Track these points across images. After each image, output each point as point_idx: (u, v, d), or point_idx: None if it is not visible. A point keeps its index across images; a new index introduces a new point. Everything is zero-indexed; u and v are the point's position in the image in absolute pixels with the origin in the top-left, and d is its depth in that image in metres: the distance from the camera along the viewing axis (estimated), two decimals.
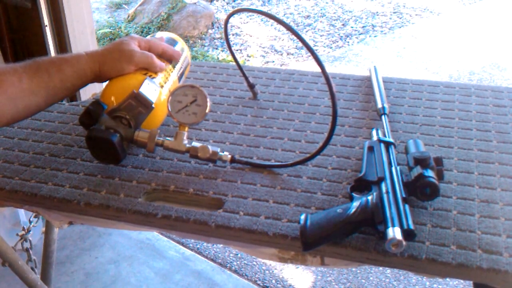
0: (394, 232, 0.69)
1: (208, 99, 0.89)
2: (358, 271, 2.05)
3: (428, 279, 1.96)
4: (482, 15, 5.29)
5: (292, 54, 4.45)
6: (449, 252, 0.73)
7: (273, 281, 2.02)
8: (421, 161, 0.79)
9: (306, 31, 4.90)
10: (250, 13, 5.24)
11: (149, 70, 0.98)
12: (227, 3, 5.54)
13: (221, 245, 2.14)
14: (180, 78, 1.10)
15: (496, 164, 0.93)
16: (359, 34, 4.88)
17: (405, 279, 2.01)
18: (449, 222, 0.78)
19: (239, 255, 2.14)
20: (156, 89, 0.96)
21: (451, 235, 0.76)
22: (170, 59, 1.05)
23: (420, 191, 0.78)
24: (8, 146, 1.01)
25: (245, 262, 2.11)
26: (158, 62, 1.00)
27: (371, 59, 4.28)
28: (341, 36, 4.83)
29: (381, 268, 2.05)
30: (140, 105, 0.90)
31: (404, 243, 0.68)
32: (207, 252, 2.15)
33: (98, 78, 0.97)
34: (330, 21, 5.16)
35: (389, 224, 0.71)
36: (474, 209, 0.81)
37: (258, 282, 2.01)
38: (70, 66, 0.94)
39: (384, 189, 0.78)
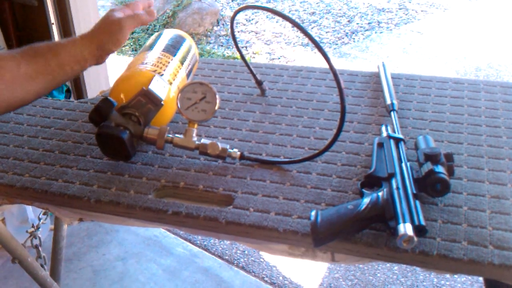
0: (406, 228, 0.69)
1: (217, 96, 0.90)
2: (366, 267, 2.05)
3: (436, 275, 1.96)
4: (488, 11, 5.27)
5: (298, 50, 4.44)
6: (460, 248, 0.72)
7: (280, 277, 2.02)
8: (432, 157, 0.79)
9: (312, 28, 4.90)
10: (255, 10, 5.23)
11: (142, 24, 1.00)
12: (232, 0, 5.54)
13: (229, 242, 2.15)
14: (188, 75, 1.10)
15: (507, 160, 0.92)
16: (365, 31, 4.87)
17: (412, 275, 2.01)
18: (460, 218, 0.78)
19: (246, 251, 2.14)
20: (165, 86, 0.96)
21: (462, 231, 0.75)
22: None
23: (430, 187, 0.78)
24: (18, 144, 1.02)
25: (253, 259, 2.11)
26: (143, 14, 1.00)
27: (377, 56, 4.27)
28: (347, 33, 4.82)
29: (388, 265, 2.04)
30: (149, 102, 0.90)
31: (415, 239, 0.68)
32: (214, 249, 2.15)
33: (100, 57, 0.97)
34: (335, 18, 5.15)
35: (400, 220, 0.70)
36: (485, 205, 0.81)
37: (266, 278, 2.01)
38: (66, 51, 0.93)
39: (394, 185, 0.78)
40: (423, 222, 0.70)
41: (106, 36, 0.96)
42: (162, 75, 0.98)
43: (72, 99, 2.31)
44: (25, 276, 1.49)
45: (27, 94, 0.90)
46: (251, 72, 1.18)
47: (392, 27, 4.96)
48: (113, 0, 5.71)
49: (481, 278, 0.81)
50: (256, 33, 4.81)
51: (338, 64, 4.06)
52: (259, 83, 1.19)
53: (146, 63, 1.00)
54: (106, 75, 2.41)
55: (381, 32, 4.84)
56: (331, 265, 2.05)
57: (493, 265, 0.70)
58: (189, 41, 1.15)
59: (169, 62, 1.03)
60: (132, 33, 4.68)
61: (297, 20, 4.99)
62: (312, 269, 2.06)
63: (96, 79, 2.37)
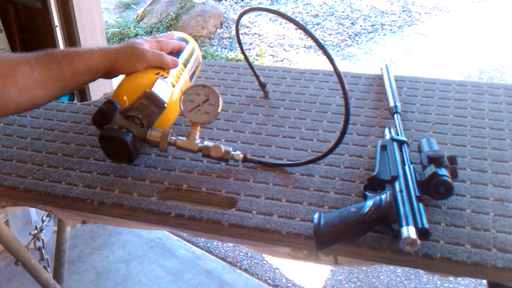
0: (409, 231, 0.69)
1: (220, 99, 0.90)
2: (369, 270, 2.05)
3: (439, 278, 1.96)
4: (491, 13, 5.26)
5: (301, 53, 4.44)
6: (463, 251, 0.72)
7: (283, 280, 2.02)
8: (435, 160, 0.79)
9: (315, 30, 4.90)
10: (259, 12, 5.24)
11: (162, 67, 0.99)
12: (236, 3, 5.55)
13: (232, 244, 2.15)
14: (191, 77, 1.10)
15: (510, 162, 0.92)
16: (368, 33, 4.87)
17: (416, 278, 2.01)
18: (463, 221, 0.78)
19: (249, 254, 2.14)
20: (168, 89, 0.96)
21: (466, 234, 0.75)
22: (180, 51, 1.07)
23: (434, 189, 0.77)
24: (21, 146, 1.02)
25: (255, 261, 2.11)
26: (169, 58, 1.00)
27: (380, 58, 4.26)
28: (350, 35, 4.82)
29: (391, 267, 2.04)
30: (152, 104, 0.90)
31: (418, 242, 0.68)
32: (217, 251, 2.15)
33: (109, 74, 0.98)
34: (338, 20, 5.15)
35: (404, 223, 0.70)
36: (488, 208, 0.80)
37: (269, 281, 2.01)
38: (82, 61, 0.93)
39: (397, 187, 0.77)
40: (426, 225, 0.70)
41: (125, 58, 0.96)
42: (165, 77, 0.98)
43: (75, 101, 2.31)
44: (28, 278, 1.49)
45: (38, 99, 0.91)
46: (255, 74, 1.18)
47: (395, 29, 4.96)
48: (117, 2, 5.73)
49: (484, 281, 0.80)
50: (259, 36, 4.81)
51: (341, 66, 4.05)
52: (262, 86, 1.19)
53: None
54: None
55: (384, 35, 4.83)
56: (334, 267, 2.04)
57: (496, 268, 0.70)
58: (192, 44, 1.15)
59: None
60: (135, 35, 4.69)
61: (300, 22, 4.98)
62: (315, 271, 2.06)
63: (99, 82, 2.37)
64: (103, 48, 0.96)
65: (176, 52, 1.07)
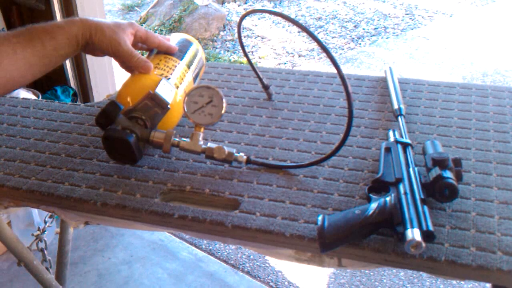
0: (414, 234, 0.68)
1: (224, 100, 0.89)
2: (372, 273, 2.04)
3: (442, 281, 1.95)
4: (494, 17, 5.26)
5: (304, 56, 4.45)
6: (468, 254, 0.72)
7: (286, 283, 2.01)
8: (440, 162, 0.78)
9: (318, 33, 4.90)
10: (261, 15, 5.24)
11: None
12: (239, 5, 5.55)
13: (234, 247, 2.15)
14: (195, 79, 1.10)
15: None
16: (371, 36, 4.86)
17: (418, 281, 2.00)
18: (468, 224, 0.77)
19: (251, 256, 2.14)
20: (172, 90, 0.96)
21: (470, 237, 0.75)
22: (167, 52, 1.05)
23: (438, 192, 0.77)
24: (24, 147, 1.02)
25: (258, 263, 2.11)
26: (144, 65, 0.97)
27: (383, 61, 4.26)
28: (353, 38, 4.82)
29: (394, 271, 2.03)
30: (156, 105, 0.90)
31: (423, 244, 0.68)
32: (219, 254, 2.15)
33: (91, 45, 0.95)
34: (341, 23, 5.15)
35: (408, 225, 0.70)
36: (493, 211, 0.80)
37: (271, 284, 2.01)
38: (63, 34, 0.91)
39: (402, 190, 0.77)
40: (431, 228, 0.70)
41: (106, 27, 0.95)
42: (169, 78, 0.97)
43: (78, 102, 2.31)
44: (30, 279, 1.49)
45: (24, 78, 0.89)
46: (258, 76, 1.18)
47: (398, 32, 4.96)
48: (120, 4, 5.73)
49: (488, 284, 0.80)
50: (262, 38, 4.81)
51: (344, 69, 4.06)
52: (266, 87, 1.19)
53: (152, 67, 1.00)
54: (112, 79, 2.42)
55: (387, 38, 4.83)
56: (336, 270, 2.04)
57: (501, 271, 0.69)
58: (196, 45, 1.14)
59: (176, 66, 1.02)
60: None
61: (303, 24, 4.98)
62: (318, 274, 2.05)
63: (102, 83, 2.38)
64: (84, 19, 0.94)
65: (180, 52, 1.07)
